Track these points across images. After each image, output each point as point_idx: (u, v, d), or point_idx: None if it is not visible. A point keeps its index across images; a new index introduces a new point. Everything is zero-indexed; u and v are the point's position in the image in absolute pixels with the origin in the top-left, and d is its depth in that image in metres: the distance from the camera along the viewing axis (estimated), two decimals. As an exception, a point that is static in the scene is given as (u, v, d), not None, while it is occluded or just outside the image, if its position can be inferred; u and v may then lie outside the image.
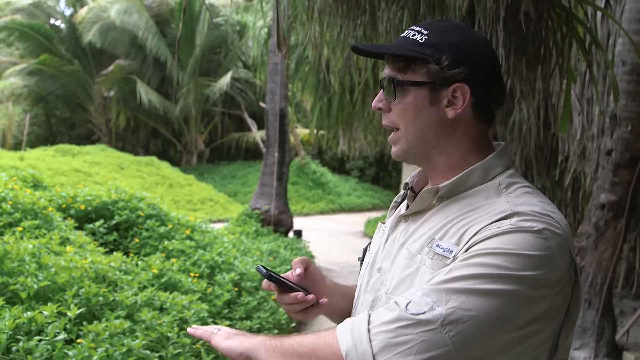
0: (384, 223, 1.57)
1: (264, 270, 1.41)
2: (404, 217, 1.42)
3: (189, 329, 1.40)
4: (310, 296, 1.46)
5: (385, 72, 1.37)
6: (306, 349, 1.17)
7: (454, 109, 1.31)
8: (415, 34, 1.34)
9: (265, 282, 1.45)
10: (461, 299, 1.08)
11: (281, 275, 1.46)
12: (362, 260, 1.59)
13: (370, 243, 1.60)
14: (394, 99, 1.35)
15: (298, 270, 1.50)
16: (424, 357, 1.07)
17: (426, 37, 1.32)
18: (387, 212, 1.61)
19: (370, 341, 1.09)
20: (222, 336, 1.33)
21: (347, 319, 1.20)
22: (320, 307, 1.50)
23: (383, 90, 1.38)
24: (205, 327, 1.41)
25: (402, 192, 1.59)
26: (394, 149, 1.41)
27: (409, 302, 1.11)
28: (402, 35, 1.38)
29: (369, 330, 1.11)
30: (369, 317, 1.14)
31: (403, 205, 1.50)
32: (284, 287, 1.45)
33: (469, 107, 1.32)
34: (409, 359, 1.07)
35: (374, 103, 1.40)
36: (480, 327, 1.08)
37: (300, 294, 1.44)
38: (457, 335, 1.07)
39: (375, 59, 1.58)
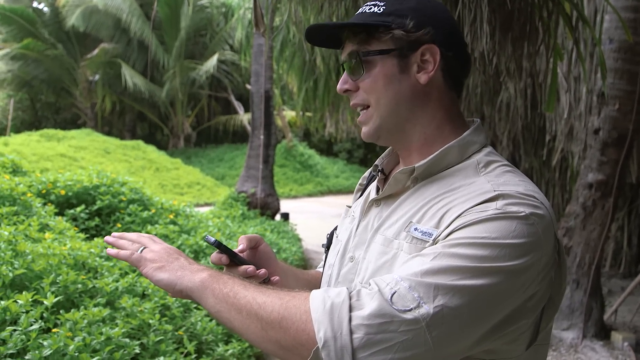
0: (349, 207, 1.49)
1: (213, 240, 1.32)
2: (376, 202, 1.34)
3: (108, 250, 1.31)
4: (262, 271, 1.38)
5: (347, 49, 1.31)
6: (271, 317, 1.09)
7: (426, 72, 1.26)
8: (371, 7, 1.29)
9: (215, 255, 1.37)
10: (448, 297, 1.02)
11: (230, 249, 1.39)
12: (327, 247, 1.51)
13: (335, 228, 1.52)
14: (361, 73, 1.28)
15: (240, 246, 1.43)
16: (403, 355, 1.01)
17: (384, 7, 1.28)
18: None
19: (351, 334, 1.02)
20: (154, 264, 1.25)
21: (319, 292, 1.10)
22: (271, 285, 1.41)
23: (346, 70, 1.32)
24: (127, 243, 1.33)
25: (367, 174, 1.53)
26: (364, 130, 1.33)
27: (394, 293, 1.03)
28: (358, 11, 1.32)
29: (350, 320, 1.03)
30: (350, 299, 1.06)
31: (372, 188, 1.42)
32: (234, 259, 1.37)
33: (440, 72, 1.27)
34: (388, 357, 1.01)
35: (339, 86, 1.33)
36: (463, 324, 1.03)
37: (251, 267, 1.36)
38: (439, 335, 1.02)
39: (332, 48, 1.52)
